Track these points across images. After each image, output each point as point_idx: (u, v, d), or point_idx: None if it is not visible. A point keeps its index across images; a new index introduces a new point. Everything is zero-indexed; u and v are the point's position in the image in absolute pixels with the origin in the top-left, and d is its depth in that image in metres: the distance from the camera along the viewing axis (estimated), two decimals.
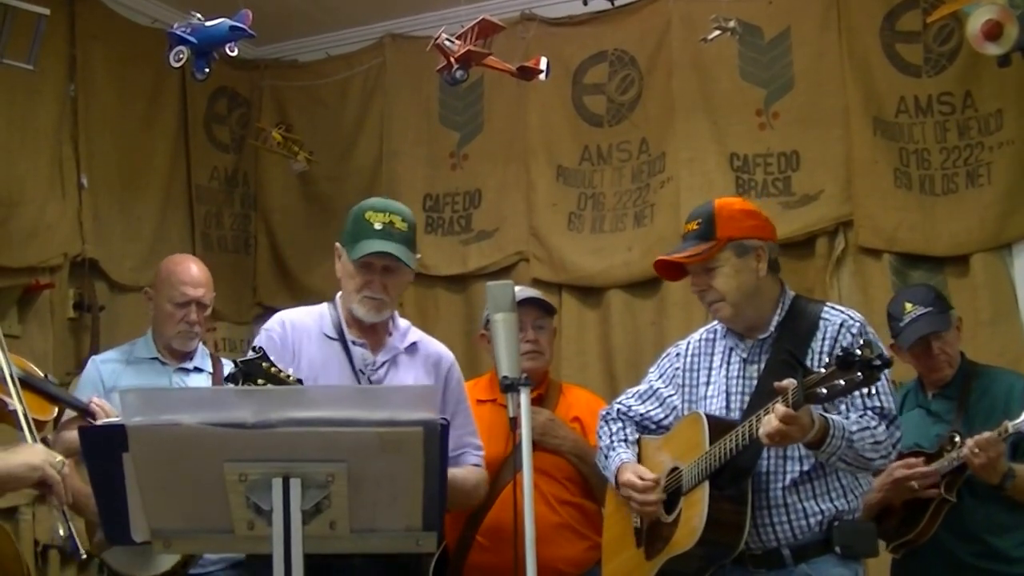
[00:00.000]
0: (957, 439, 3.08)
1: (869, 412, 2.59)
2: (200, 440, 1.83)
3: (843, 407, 2.61)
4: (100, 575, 3.40)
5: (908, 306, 3.27)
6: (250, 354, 2.60)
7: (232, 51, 3.76)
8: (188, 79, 4.77)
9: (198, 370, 3.63)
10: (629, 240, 4.69)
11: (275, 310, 3.80)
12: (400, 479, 1.88)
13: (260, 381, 2.53)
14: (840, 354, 2.29)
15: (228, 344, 5.21)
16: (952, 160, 4.21)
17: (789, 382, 2.40)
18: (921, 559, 3.18)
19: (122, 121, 4.82)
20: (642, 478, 2.78)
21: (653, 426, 2.96)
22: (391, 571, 2.50)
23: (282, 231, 5.42)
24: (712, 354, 2.88)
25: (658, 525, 2.77)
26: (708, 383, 2.85)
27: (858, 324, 2.70)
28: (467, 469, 2.92)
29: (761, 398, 2.60)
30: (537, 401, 3.33)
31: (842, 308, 2.81)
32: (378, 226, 2.76)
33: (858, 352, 2.26)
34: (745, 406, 2.71)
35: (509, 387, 2.34)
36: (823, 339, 2.69)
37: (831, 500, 2.64)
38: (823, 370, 2.33)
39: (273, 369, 2.56)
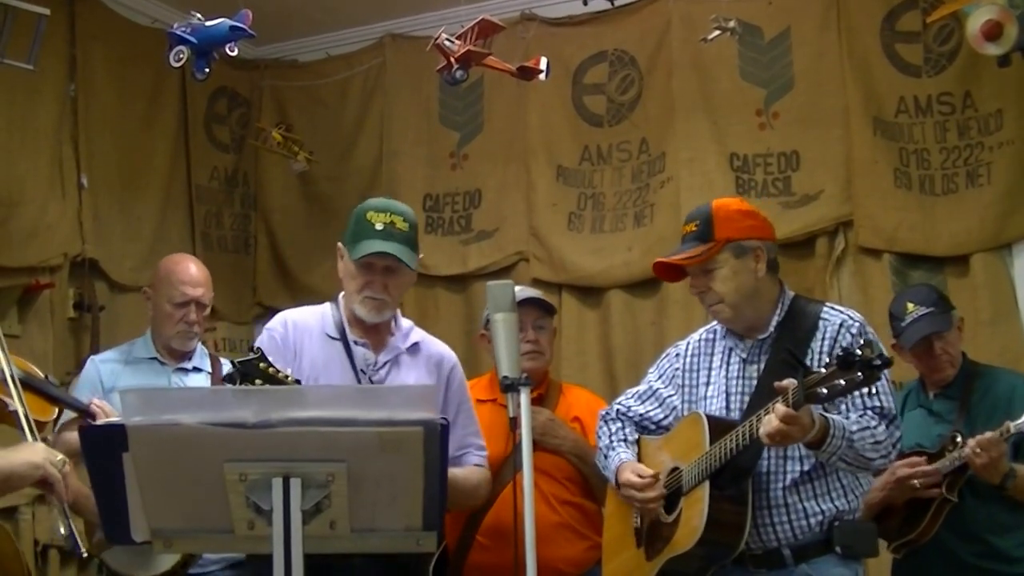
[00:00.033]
0: (959, 439, 3.08)
1: (869, 412, 2.59)
2: (200, 440, 1.83)
3: (843, 407, 2.61)
4: (100, 575, 3.40)
5: (910, 306, 3.28)
6: (248, 355, 2.60)
7: (232, 51, 3.76)
8: (188, 79, 4.77)
9: (197, 370, 3.63)
10: (629, 240, 4.69)
11: (275, 310, 3.81)
12: (400, 479, 1.88)
13: (258, 381, 2.53)
14: (840, 354, 2.29)
15: (228, 344, 5.21)
16: (952, 160, 4.21)
17: (789, 382, 2.40)
18: (922, 559, 3.18)
19: (122, 121, 4.82)
20: (641, 475, 2.78)
21: (653, 426, 2.96)
22: (391, 571, 2.50)
23: (282, 231, 5.42)
24: (712, 354, 2.88)
25: (658, 525, 2.77)
26: (708, 383, 2.85)
27: (858, 324, 2.70)
28: (469, 469, 2.91)
29: (761, 398, 2.60)
30: (537, 401, 3.33)
31: (841, 308, 2.81)
32: (379, 226, 2.76)
33: (858, 352, 2.26)
34: (745, 406, 2.71)
35: (509, 387, 2.34)
36: (823, 339, 2.70)
37: (831, 500, 2.65)
38: (823, 370, 2.33)
39: (271, 370, 2.56)
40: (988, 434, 2.98)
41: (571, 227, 4.83)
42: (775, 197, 4.43)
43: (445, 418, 1.93)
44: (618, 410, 3.01)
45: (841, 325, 2.70)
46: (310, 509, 1.86)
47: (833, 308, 2.79)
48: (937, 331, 3.25)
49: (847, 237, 4.33)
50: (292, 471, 1.84)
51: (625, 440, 2.94)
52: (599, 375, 4.63)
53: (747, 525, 2.58)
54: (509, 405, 2.35)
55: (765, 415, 2.45)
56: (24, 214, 4.33)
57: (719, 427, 2.65)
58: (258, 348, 2.63)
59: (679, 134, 4.62)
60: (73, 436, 2.97)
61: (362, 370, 2.82)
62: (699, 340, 2.94)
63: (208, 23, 3.67)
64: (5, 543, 2.89)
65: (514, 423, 2.33)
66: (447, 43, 3.82)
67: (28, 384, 2.83)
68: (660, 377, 2.99)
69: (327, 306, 2.94)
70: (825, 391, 2.32)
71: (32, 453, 2.54)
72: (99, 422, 2.93)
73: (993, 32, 3.61)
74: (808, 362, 2.59)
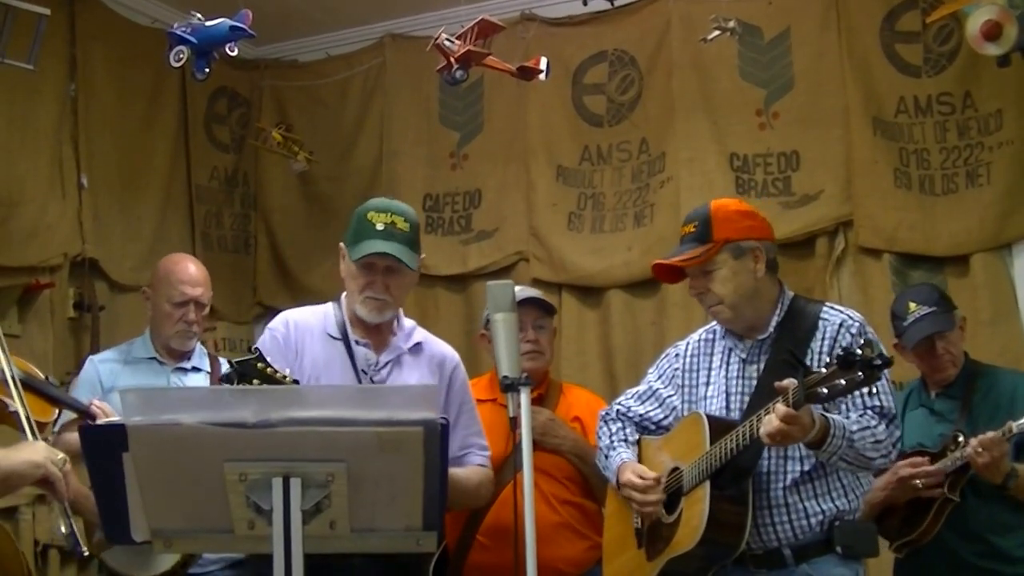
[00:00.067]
0: (961, 439, 3.08)
1: (869, 412, 2.59)
2: (200, 440, 1.83)
3: (843, 406, 2.61)
4: (100, 575, 3.40)
5: (912, 306, 3.28)
6: (246, 355, 2.60)
7: (232, 51, 3.76)
8: (188, 79, 4.77)
9: (196, 370, 3.63)
10: (629, 240, 4.69)
11: (275, 310, 3.82)
12: (400, 479, 1.88)
13: (255, 381, 2.53)
14: (841, 353, 2.29)
15: (228, 344, 5.21)
16: (952, 160, 4.21)
17: (790, 382, 2.40)
18: (924, 559, 3.18)
19: (122, 121, 4.81)
20: (642, 477, 2.78)
21: (653, 427, 2.96)
22: (391, 571, 2.50)
23: (282, 231, 5.42)
24: (712, 354, 2.88)
25: (659, 525, 2.77)
26: (708, 383, 2.85)
27: (857, 324, 2.70)
28: (470, 469, 2.91)
29: (761, 398, 2.60)
30: (537, 401, 3.33)
31: (841, 308, 2.81)
32: (380, 226, 2.76)
33: (859, 352, 2.26)
34: (745, 406, 2.71)
35: (509, 387, 2.34)
36: (822, 339, 2.70)
37: (832, 500, 2.65)
38: (824, 370, 2.34)
39: (269, 370, 2.56)
40: (990, 434, 2.98)
41: (571, 227, 4.83)
42: (775, 197, 4.43)
43: (445, 418, 1.93)
44: (618, 410, 3.01)
45: (841, 325, 2.70)
46: (310, 509, 1.86)
47: (833, 308, 2.79)
48: (939, 331, 3.25)
49: (847, 237, 4.33)
50: (292, 471, 1.84)
51: (626, 440, 2.94)
52: (599, 375, 4.63)
53: (748, 525, 2.58)
54: (509, 405, 2.35)
55: (765, 415, 2.45)
56: (24, 214, 4.33)
57: (719, 427, 2.65)
58: (256, 348, 2.63)
59: (679, 134, 4.62)
60: (73, 437, 2.97)
61: (363, 370, 2.82)
62: (699, 340, 2.94)
63: (208, 23, 3.67)
64: (5, 543, 2.89)
65: (514, 423, 2.33)
66: (447, 43, 3.82)
67: (28, 385, 2.83)
68: (660, 377, 2.99)
69: (329, 306, 2.94)
70: (825, 391, 2.32)
71: (33, 452, 2.54)
72: (99, 422, 2.93)
73: (993, 32, 3.61)
74: (808, 362, 2.59)
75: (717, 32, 4.22)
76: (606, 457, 2.95)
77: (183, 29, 3.66)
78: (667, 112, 4.67)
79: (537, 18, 4.94)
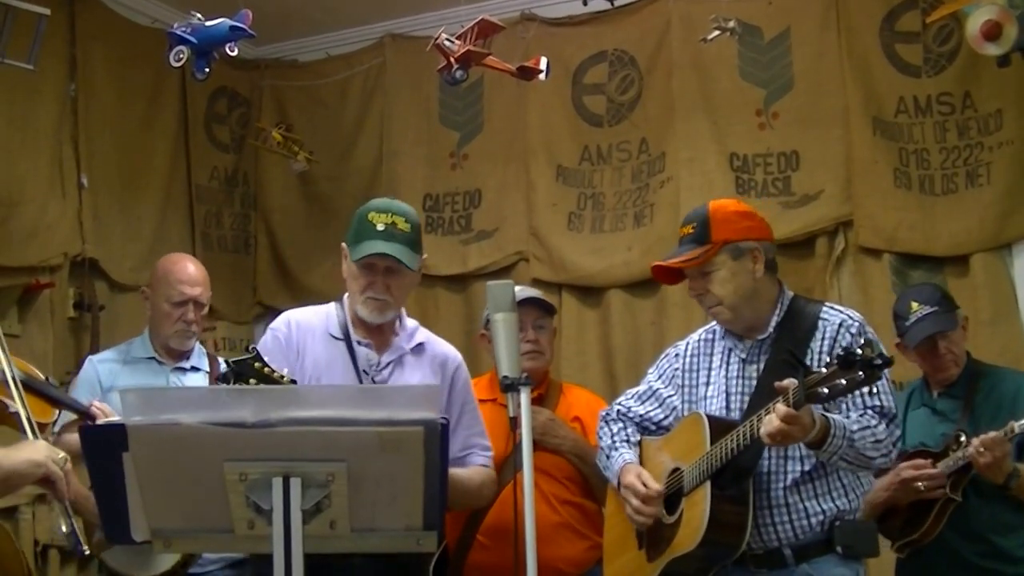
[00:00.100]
0: (963, 438, 3.08)
1: (869, 411, 2.59)
2: (200, 439, 1.83)
3: (843, 406, 2.61)
4: (100, 575, 3.40)
5: (914, 305, 3.28)
6: (244, 354, 2.60)
7: (232, 51, 3.76)
8: (188, 79, 4.77)
9: (195, 369, 3.64)
10: (629, 240, 4.69)
11: (275, 310, 3.83)
12: (400, 478, 1.88)
13: (252, 381, 2.53)
14: (841, 353, 2.29)
15: (228, 344, 5.21)
16: (952, 160, 4.21)
17: (790, 382, 2.40)
18: (926, 558, 3.18)
19: (122, 121, 4.82)
20: (646, 485, 2.77)
21: (653, 427, 2.96)
22: (391, 570, 2.50)
23: (282, 231, 5.42)
24: (711, 354, 2.88)
25: (660, 526, 2.76)
26: (708, 383, 2.85)
27: (857, 324, 2.70)
28: (472, 469, 2.90)
29: (761, 398, 2.60)
30: (537, 401, 3.33)
31: (841, 308, 2.81)
32: (380, 227, 2.76)
33: (859, 351, 2.26)
34: (745, 406, 2.71)
35: (509, 387, 2.35)
36: (822, 339, 2.70)
37: (832, 500, 2.64)
38: (824, 369, 2.34)
39: (266, 369, 2.55)
40: (992, 433, 2.98)
41: (571, 227, 4.83)
42: (775, 197, 4.44)
43: (445, 417, 1.93)
44: (619, 411, 3.01)
45: (841, 325, 2.70)
46: (310, 509, 1.86)
47: (832, 308, 2.79)
48: (941, 330, 3.25)
49: (847, 237, 4.34)
50: (292, 471, 1.84)
51: (628, 441, 2.94)
52: (599, 375, 4.63)
53: (749, 525, 2.58)
54: (509, 405, 2.35)
55: (766, 415, 2.45)
56: (24, 214, 4.33)
57: (720, 427, 2.65)
58: (253, 348, 2.63)
59: (679, 134, 4.62)
60: (73, 438, 2.98)
61: (365, 370, 2.82)
62: (698, 340, 2.94)
63: (208, 23, 3.67)
64: (5, 543, 2.89)
65: (514, 423, 2.33)
66: (447, 43, 3.82)
67: (29, 386, 2.83)
68: (660, 377, 2.99)
69: (332, 306, 2.94)
70: (826, 391, 2.32)
71: (34, 451, 2.54)
72: (99, 422, 2.93)
73: (993, 32, 3.61)
74: (808, 362, 2.59)
75: (717, 32, 4.22)
76: (607, 457, 2.94)
77: (183, 29, 3.66)
78: (667, 112, 4.67)
79: (537, 18, 4.94)
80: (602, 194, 4.81)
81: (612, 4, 4.68)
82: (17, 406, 2.68)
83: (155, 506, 1.90)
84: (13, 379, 2.70)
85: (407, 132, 5.18)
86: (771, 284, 2.81)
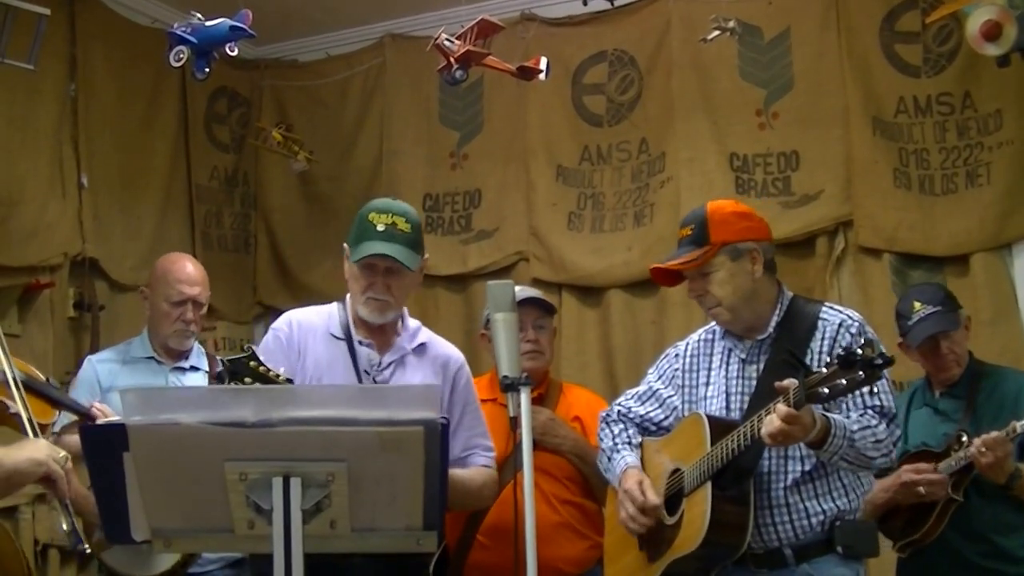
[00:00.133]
0: (964, 438, 3.08)
1: (870, 411, 2.59)
2: (200, 439, 1.83)
3: (844, 406, 2.61)
4: (100, 575, 3.40)
5: (917, 305, 3.28)
6: (239, 353, 2.60)
7: (232, 51, 3.76)
8: (188, 79, 4.77)
9: (194, 369, 3.64)
10: (629, 240, 4.69)
11: (275, 310, 3.83)
12: (400, 478, 1.88)
13: (247, 380, 2.53)
14: (842, 353, 2.29)
15: (228, 343, 5.21)
16: (951, 160, 4.22)
17: (790, 382, 2.40)
18: (927, 558, 3.18)
19: (122, 121, 4.82)
20: (645, 494, 2.75)
21: (653, 427, 2.96)
22: (391, 570, 2.50)
23: (282, 231, 5.42)
24: (711, 355, 2.88)
25: (660, 527, 2.76)
26: (708, 383, 2.85)
27: (857, 323, 2.70)
28: (474, 470, 2.90)
29: (761, 398, 2.60)
30: (537, 401, 3.33)
31: (840, 308, 2.81)
32: (380, 227, 2.76)
33: (860, 351, 2.26)
34: (745, 406, 2.71)
35: (509, 387, 2.35)
36: (822, 339, 2.70)
37: (833, 500, 2.64)
38: (824, 369, 2.34)
39: (261, 368, 2.55)
40: (994, 433, 2.98)
41: (571, 227, 4.83)
42: (775, 197, 4.44)
43: (446, 417, 1.93)
44: (619, 411, 3.01)
45: (840, 325, 2.70)
46: (310, 508, 1.86)
47: (832, 308, 2.79)
48: (944, 330, 3.25)
49: (847, 237, 4.34)
50: (292, 470, 1.84)
51: (629, 443, 2.93)
52: (599, 375, 4.63)
53: (750, 525, 2.58)
54: (509, 405, 2.35)
55: (766, 415, 2.45)
56: (24, 213, 4.33)
57: (720, 427, 2.65)
58: (248, 346, 2.63)
59: (679, 134, 4.62)
60: (73, 439, 2.97)
61: (366, 371, 2.82)
62: (698, 340, 2.94)
63: (208, 23, 3.67)
64: (5, 542, 2.89)
65: (514, 423, 2.33)
66: (447, 43, 3.82)
67: (30, 387, 2.83)
68: (660, 378, 2.99)
69: (334, 306, 2.94)
70: (826, 391, 2.32)
71: (35, 450, 2.54)
72: (99, 422, 2.93)
73: (992, 32, 3.61)
74: (808, 362, 2.59)
75: (717, 32, 4.22)
76: (609, 460, 2.94)
77: (183, 29, 3.67)
78: (667, 112, 4.67)
79: (537, 18, 4.94)
80: (602, 194, 4.81)
81: (612, 4, 4.68)
82: (18, 407, 2.68)
83: (155, 506, 1.90)
84: (14, 380, 2.70)
85: (407, 132, 5.18)
86: (770, 284, 2.81)
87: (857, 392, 2.52)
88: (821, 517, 2.63)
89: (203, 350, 3.74)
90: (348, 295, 2.91)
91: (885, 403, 2.60)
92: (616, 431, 2.97)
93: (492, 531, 3.18)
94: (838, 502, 2.65)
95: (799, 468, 2.64)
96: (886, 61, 4.33)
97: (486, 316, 3.24)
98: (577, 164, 4.87)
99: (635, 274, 4.57)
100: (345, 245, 2.87)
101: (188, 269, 3.60)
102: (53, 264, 4.42)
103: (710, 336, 2.92)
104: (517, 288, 2.63)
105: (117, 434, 1.85)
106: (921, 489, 3.10)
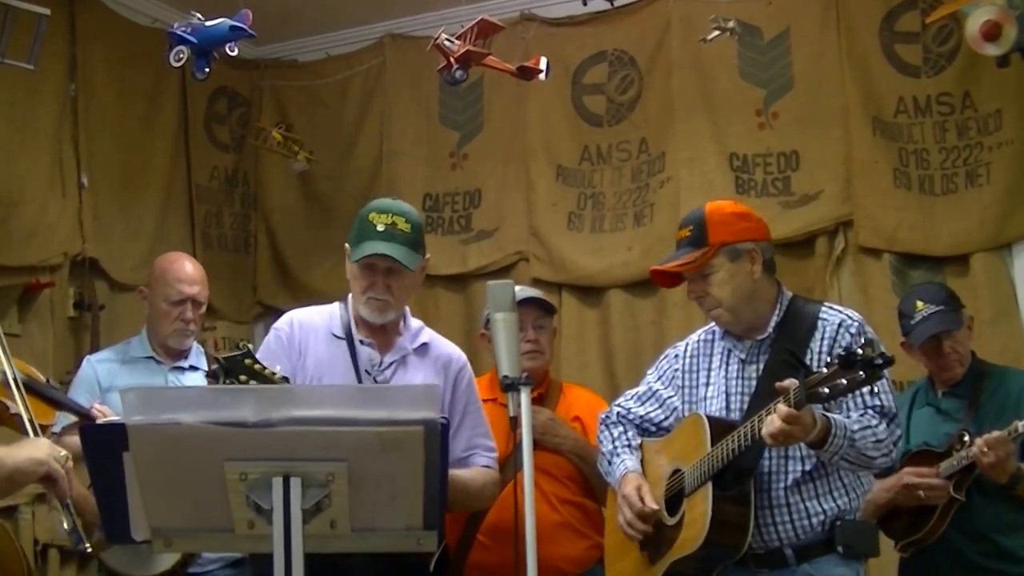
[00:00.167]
0: (966, 438, 3.07)
1: (870, 411, 2.58)
2: (200, 439, 1.83)
3: (844, 406, 2.61)
4: (100, 575, 3.40)
5: (920, 304, 3.27)
6: (235, 351, 2.60)
7: (232, 51, 3.76)
8: (188, 79, 4.77)
9: (193, 368, 3.64)
10: (629, 240, 4.69)
11: (275, 309, 3.83)
12: (400, 478, 1.88)
13: (243, 378, 2.53)
14: (842, 353, 2.29)
15: (228, 343, 5.20)
16: (951, 160, 4.22)
17: (790, 382, 2.40)
18: (929, 558, 3.18)
19: (122, 121, 4.82)
20: (643, 500, 2.75)
21: (653, 428, 2.96)
22: (391, 570, 2.49)
23: (282, 231, 5.42)
24: (711, 355, 2.88)
25: (661, 528, 2.76)
26: (707, 384, 2.85)
27: (856, 323, 2.70)
28: (475, 470, 2.89)
29: (761, 399, 2.60)
30: (537, 400, 3.33)
31: (840, 308, 2.81)
32: (380, 227, 2.76)
33: (860, 351, 2.26)
34: (745, 407, 2.71)
35: (509, 386, 2.35)
36: (822, 339, 2.70)
37: (833, 499, 2.64)
38: (825, 369, 2.34)
39: (257, 366, 2.55)
40: (996, 433, 2.97)
41: (571, 227, 4.83)
42: (775, 197, 4.44)
43: (446, 417, 1.93)
44: (618, 413, 3.01)
45: (840, 325, 2.70)
46: (310, 508, 1.85)
47: (832, 308, 2.79)
48: (946, 330, 3.24)
49: (847, 237, 4.34)
50: (292, 470, 1.84)
51: (628, 445, 2.93)
52: (599, 375, 4.63)
53: (750, 526, 2.58)
54: (509, 404, 2.35)
55: (767, 415, 2.45)
56: (24, 213, 4.33)
57: (720, 428, 2.65)
58: (245, 345, 2.63)
59: (679, 134, 4.62)
60: (73, 440, 2.97)
61: (366, 370, 2.81)
62: (698, 341, 2.94)
63: (208, 23, 3.68)
64: (5, 542, 2.89)
65: (514, 422, 2.33)
66: (447, 43, 3.82)
67: (30, 387, 2.83)
68: (660, 378, 2.99)
69: (336, 306, 2.94)
70: (827, 391, 2.32)
71: (36, 449, 2.54)
72: (99, 422, 2.93)
73: (992, 32, 3.61)
74: (808, 362, 2.59)
75: (717, 32, 4.22)
76: (609, 463, 2.93)
77: (183, 29, 3.67)
78: (667, 112, 4.68)
79: (537, 18, 4.94)
80: (602, 194, 4.81)
81: (612, 4, 4.68)
82: (18, 407, 2.68)
83: (155, 506, 1.90)
84: (15, 380, 2.70)
85: (407, 132, 5.18)
86: (770, 284, 2.81)
87: (857, 392, 2.52)
88: (822, 517, 2.63)
89: (202, 350, 3.74)
90: (350, 294, 2.92)
91: (885, 403, 2.60)
92: (615, 434, 2.96)
93: (492, 531, 3.18)
94: (838, 502, 2.65)
95: (799, 468, 2.64)
96: (886, 61, 4.33)
97: (486, 316, 3.24)
98: (577, 164, 4.87)
99: (635, 274, 4.58)
100: (346, 245, 2.87)
101: (187, 268, 3.60)
102: (53, 264, 4.42)
103: (710, 336, 2.92)
104: (517, 288, 2.63)
105: (117, 434, 1.85)
106: (921, 493, 3.10)
